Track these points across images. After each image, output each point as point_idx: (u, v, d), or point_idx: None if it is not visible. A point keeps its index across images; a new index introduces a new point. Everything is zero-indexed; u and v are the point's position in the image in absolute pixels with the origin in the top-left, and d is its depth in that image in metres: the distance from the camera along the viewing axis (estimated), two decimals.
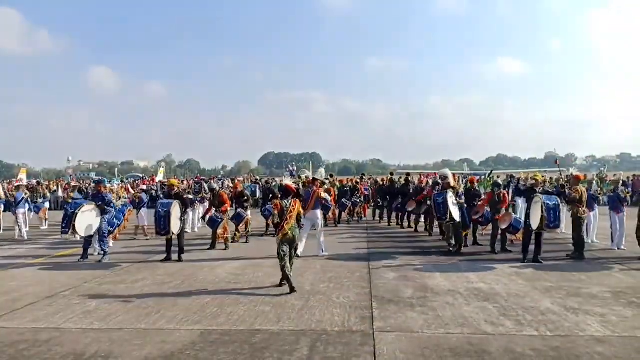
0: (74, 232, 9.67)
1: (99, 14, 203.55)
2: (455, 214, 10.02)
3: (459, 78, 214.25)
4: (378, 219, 17.38)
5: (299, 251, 9.49)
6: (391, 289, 7.26)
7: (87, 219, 9.89)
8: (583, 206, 9.80)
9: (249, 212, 12.64)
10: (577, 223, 9.71)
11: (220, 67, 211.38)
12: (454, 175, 13.68)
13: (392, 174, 19.45)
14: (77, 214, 9.62)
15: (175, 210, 9.77)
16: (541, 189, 9.90)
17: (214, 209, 11.71)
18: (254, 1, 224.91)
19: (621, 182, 12.73)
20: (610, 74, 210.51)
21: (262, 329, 5.49)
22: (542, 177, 13.25)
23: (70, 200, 11.07)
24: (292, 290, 7.08)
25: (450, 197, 10.04)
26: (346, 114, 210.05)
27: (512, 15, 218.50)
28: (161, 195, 12.14)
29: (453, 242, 10.45)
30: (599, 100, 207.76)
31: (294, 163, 26.46)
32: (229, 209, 11.88)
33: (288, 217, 7.36)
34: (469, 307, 6.25)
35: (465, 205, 11.00)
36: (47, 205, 18.25)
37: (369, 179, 23.47)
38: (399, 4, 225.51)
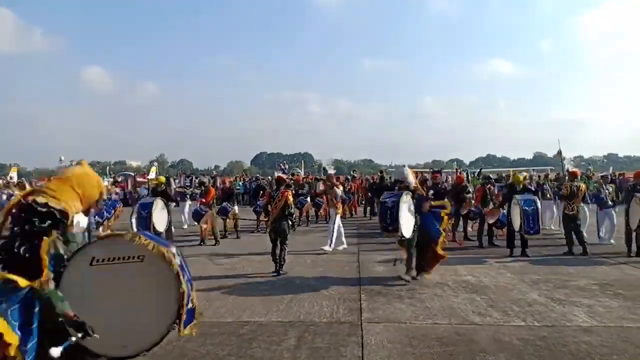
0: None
1: (93, 14, 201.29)
2: (407, 227, 7.10)
3: (451, 79, 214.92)
4: (369, 215, 17.43)
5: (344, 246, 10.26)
6: (380, 281, 7.26)
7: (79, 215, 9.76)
8: (576, 202, 9.64)
9: (235, 207, 12.62)
10: (567, 219, 9.73)
11: (214, 67, 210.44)
12: (417, 173, 12.78)
13: (381, 172, 19.54)
14: None
15: (157, 209, 9.71)
16: (520, 186, 9.76)
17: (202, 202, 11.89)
18: (248, 1, 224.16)
19: (609, 178, 12.80)
20: (598, 76, 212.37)
21: (250, 320, 5.46)
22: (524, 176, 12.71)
23: None
24: (277, 271, 7.84)
25: (405, 202, 7.09)
26: (339, 114, 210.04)
27: (505, 16, 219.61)
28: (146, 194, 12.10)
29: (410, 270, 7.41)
30: (588, 101, 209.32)
31: (285, 162, 26.41)
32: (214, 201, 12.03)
33: (273, 208, 7.96)
34: (457, 298, 6.27)
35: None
36: None
37: (360, 177, 23.53)
38: (393, 5, 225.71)
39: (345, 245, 10.30)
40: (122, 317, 3.01)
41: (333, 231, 10.14)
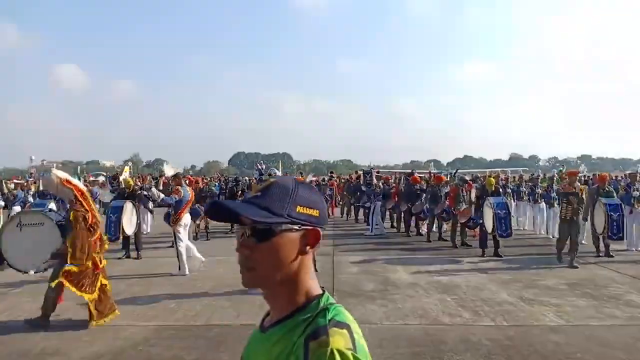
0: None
1: (69, 11, 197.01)
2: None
3: (429, 80, 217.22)
4: (345, 216, 17.45)
5: None
6: (353, 282, 7.25)
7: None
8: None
9: None
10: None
11: (192, 66, 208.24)
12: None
13: (356, 172, 19.61)
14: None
15: (127, 212, 9.56)
16: (492, 189, 9.75)
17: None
18: (228, 0, 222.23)
19: (582, 179, 12.93)
20: (572, 78, 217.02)
21: (219, 323, 5.38)
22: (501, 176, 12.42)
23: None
24: None
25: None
26: (318, 114, 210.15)
27: (481, 19, 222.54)
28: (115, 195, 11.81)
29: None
30: (562, 104, 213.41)
31: (262, 162, 26.17)
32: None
33: None
34: (428, 299, 6.29)
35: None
36: (2, 203, 17.51)
37: (338, 177, 23.54)
38: (373, 8, 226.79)
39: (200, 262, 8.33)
40: (34, 252, 5.40)
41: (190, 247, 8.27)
